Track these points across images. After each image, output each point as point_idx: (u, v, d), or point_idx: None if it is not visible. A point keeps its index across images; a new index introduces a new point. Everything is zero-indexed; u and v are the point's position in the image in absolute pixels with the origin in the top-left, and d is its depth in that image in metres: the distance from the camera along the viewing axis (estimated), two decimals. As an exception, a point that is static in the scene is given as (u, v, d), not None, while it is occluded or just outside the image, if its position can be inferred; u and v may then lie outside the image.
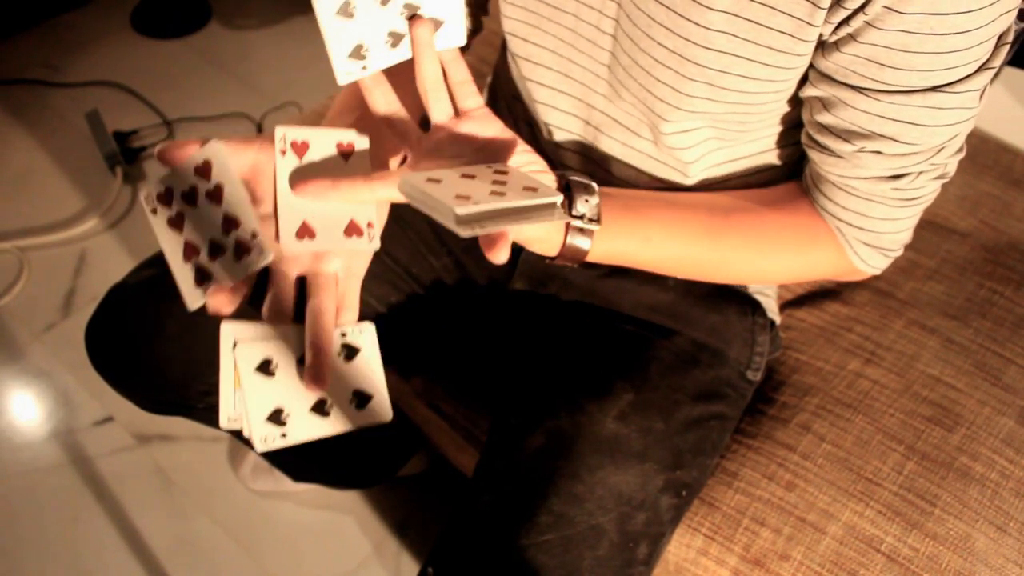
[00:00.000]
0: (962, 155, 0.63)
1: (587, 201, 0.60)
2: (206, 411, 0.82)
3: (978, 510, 0.79)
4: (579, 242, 0.61)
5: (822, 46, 0.57)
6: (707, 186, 0.72)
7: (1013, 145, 1.14)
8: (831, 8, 0.54)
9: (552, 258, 0.63)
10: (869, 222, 0.65)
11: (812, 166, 0.66)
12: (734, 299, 0.80)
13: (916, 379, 0.88)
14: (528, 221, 0.51)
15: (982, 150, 1.11)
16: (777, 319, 0.85)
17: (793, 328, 0.94)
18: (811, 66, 0.59)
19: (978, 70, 0.55)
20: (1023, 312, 0.94)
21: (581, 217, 0.60)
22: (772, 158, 0.71)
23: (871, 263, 0.68)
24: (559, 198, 0.52)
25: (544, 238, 0.60)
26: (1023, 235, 1.02)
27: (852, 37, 0.55)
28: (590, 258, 0.63)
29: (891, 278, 0.97)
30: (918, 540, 0.77)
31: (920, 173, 0.61)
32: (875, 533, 0.77)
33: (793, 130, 0.69)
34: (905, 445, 0.83)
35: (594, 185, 0.61)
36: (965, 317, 0.93)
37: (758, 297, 0.82)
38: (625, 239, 0.64)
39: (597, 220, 0.61)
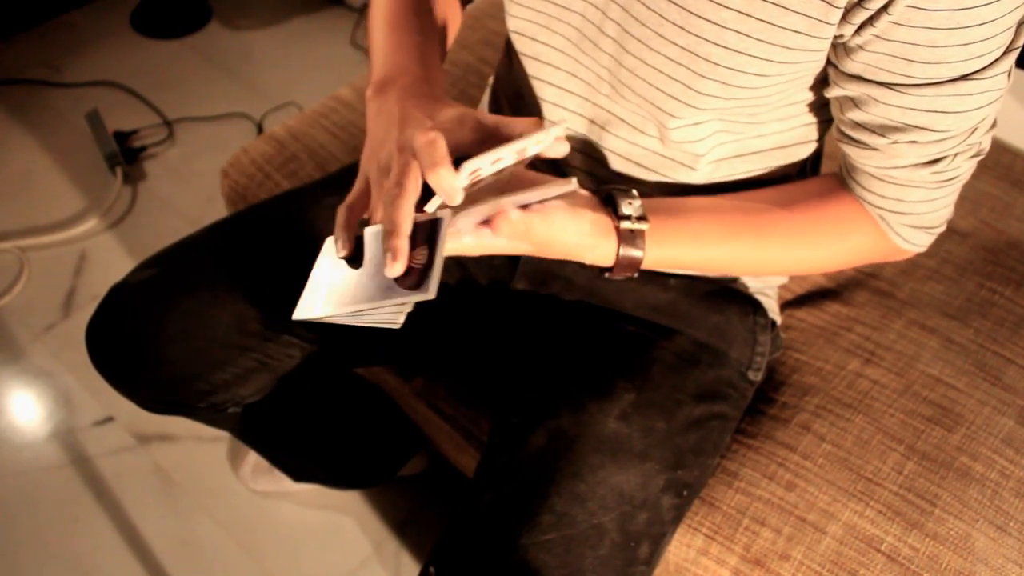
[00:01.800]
0: (995, 130, 0.63)
1: (631, 203, 0.61)
2: (207, 411, 0.82)
3: (978, 510, 0.79)
4: (632, 252, 0.62)
5: (846, 48, 0.57)
6: (717, 184, 0.72)
7: (1013, 145, 1.14)
8: (852, 9, 0.54)
9: (608, 269, 0.64)
10: (909, 206, 0.65)
11: (847, 159, 0.67)
12: (735, 299, 0.80)
13: (916, 379, 0.88)
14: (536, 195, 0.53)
15: (982, 150, 1.11)
16: (778, 319, 0.85)
17: (793, 328, 0.94)
18: (836, 67, 0.60)
19: (1004, 53, 0.56)
20: (1023, 312, 0.94)
21: (628, 218, 0.61)
22: (781, 153, 0.71)
23: (916, 242, 0.69)
24: (574, 184, 0.54)
25: (595, 245, 0.61)
26: (1023, 235, 1.02)
27: (878, 37, 0.55)
28: (645, 265, 0.64)
29: (891, 278, 0.98)
30: (918, 540, 0.77)
31: (956, 155, 0.62)
32: (875, 533, 0.77)
33: (803, 128, 0.69)
34: (905, 445, 0.83)
35: (633, 190, 0.63)
36: (965, 317, 0.93)
37: (759, 297, 0.82)
38: (675, 242, 0.65)
39: (644, 218, 0.61)
